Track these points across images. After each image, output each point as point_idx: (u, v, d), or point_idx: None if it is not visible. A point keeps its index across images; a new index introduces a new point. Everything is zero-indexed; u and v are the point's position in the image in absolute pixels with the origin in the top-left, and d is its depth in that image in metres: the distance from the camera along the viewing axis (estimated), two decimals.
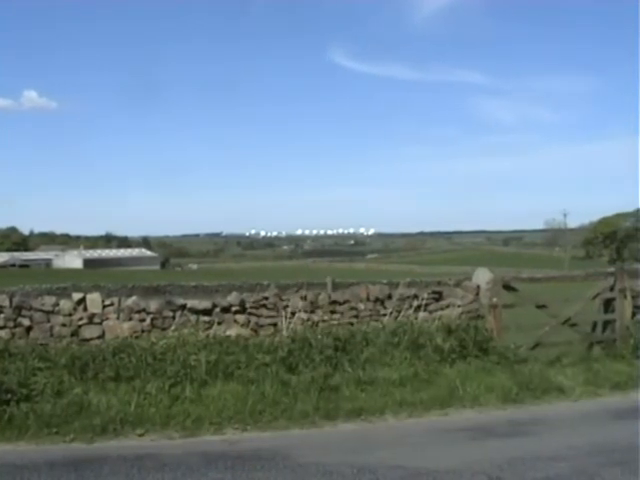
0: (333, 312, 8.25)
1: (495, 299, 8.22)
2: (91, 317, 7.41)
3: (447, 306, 8.58)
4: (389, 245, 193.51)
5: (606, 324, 8.91)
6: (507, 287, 8.51)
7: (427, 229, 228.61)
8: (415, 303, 8.45)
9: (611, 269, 9.64)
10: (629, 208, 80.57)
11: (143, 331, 7.38)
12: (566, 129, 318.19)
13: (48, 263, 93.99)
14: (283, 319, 7.89)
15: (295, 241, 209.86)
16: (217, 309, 7.85)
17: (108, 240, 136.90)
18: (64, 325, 7.32)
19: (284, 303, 8.08)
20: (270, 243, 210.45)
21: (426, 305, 8.52)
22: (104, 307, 7.51)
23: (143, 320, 7.51)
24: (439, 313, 8.39)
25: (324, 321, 8.07)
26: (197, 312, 7.75)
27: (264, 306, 8.04)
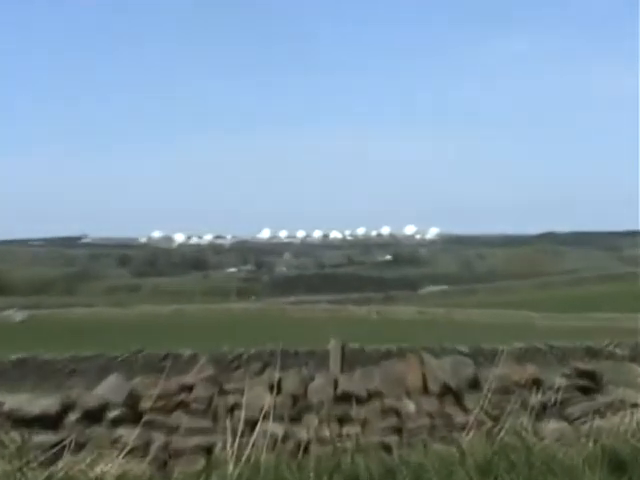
0: (343, 420, 7.26)
1: None
2: None
3: (610, 406, 7.23)
4: (472, 263, 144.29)
5: None
6: None
7: (558, 228, 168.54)
8: (536, 399, 7.06)
9: None
10: None
11: None
12: None
13: None
14: (228, 436, 5.78)
15: (255, 255, 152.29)
16: (73, 416, 7.20)
17: None
18: None
19: (230, 399, 7.27)
20: (197, 260, 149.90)
21: (562, 404, 7.39)
22: None
23: None
24: (592, 423, 6.49)
25: (322, 441, 6.85)
26: (27, 423, 6.98)
27: (183, 406, 7.32)
